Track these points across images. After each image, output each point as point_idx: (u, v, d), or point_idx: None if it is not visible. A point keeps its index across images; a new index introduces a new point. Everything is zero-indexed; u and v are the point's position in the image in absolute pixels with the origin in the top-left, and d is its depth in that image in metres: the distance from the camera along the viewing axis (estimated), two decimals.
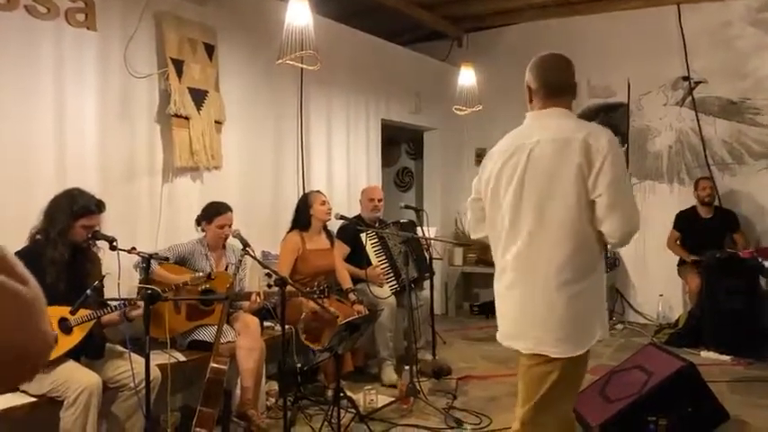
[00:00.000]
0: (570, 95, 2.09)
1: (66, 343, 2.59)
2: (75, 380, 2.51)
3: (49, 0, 3.15)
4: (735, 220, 5.35)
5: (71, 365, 2.60)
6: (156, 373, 2.72)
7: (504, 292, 2.09)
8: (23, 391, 2.59)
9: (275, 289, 3.06)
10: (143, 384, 2.65)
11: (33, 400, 2.55)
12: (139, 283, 2.74)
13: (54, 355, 2.55)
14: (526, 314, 2.03)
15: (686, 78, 5.87)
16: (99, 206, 2.70)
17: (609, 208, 1.90)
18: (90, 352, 2.74)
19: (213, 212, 3.47)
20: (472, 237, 2.31)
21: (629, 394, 3.11)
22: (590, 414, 3.19)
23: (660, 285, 5.85)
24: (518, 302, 2.04)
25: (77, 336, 2.61)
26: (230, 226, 3.47)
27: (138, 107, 3.60)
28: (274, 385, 3.73)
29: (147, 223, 3.64)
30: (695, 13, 5.79)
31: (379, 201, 4.54)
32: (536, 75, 2.07)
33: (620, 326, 5.93)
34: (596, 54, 6.16)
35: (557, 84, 2.07)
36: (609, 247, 2.05)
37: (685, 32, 5.83)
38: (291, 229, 4.06)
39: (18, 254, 2.62)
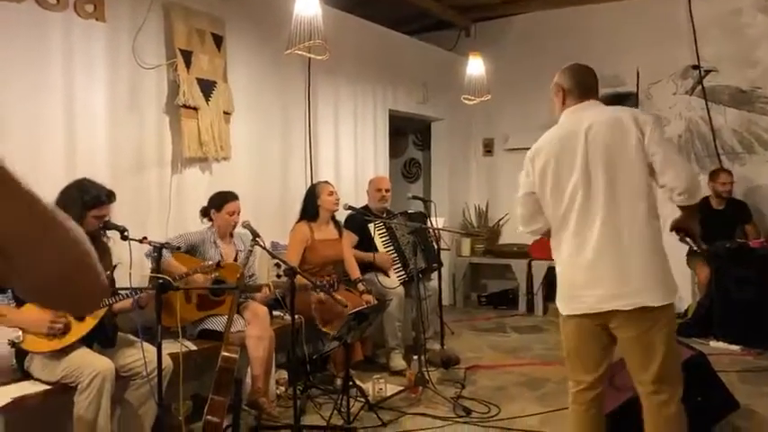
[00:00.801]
0: (598, 94, 2.38)
1: (79, 330, 2.62)
2: (89, 365, 2.54)
3: None
4: (747, 212, 5.31)
5: (84, 351, 2.62)
6: (167, 362, 2.74)
7: (591, 264, 2.23)
8: (37, 379, 2.63)
9: (284, 279, 3.07)
10: (155, 373, 2.68)
11: (47, 387, 2.58)
12: (151, 273, 2.76)
13: (67, 341, 2.58)
14: (622, 274, 2.19)
15: (696, 67, 5.82)
16: (109, 196, 2.72)
17: (666, 160, 2.17)
18: (102, 340, 2.76)
19: (221, 200, 3.49)
20: (526, 230, 2.44)
21: None
22: None
23: None
24: (611, 267, 2.20)
25: (90, 323, 2.63)
26: (238, 213, 3.49)
27: (146, 98, 3.62)
28: (284, 374, 3.75)
29: (157, 214, 3.66)
30: (705, 1, 5.73)
31: (387, 191, 4.54)
32: (569, 77, 2.35)
33: None
34: (605, 43, 6.11)
35: (588, 83, 2.36)
36: (679, 202, 2.25)
37: (695, 21, 5.77)
38: (300, 219, 4.07)
39: None
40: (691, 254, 5.43)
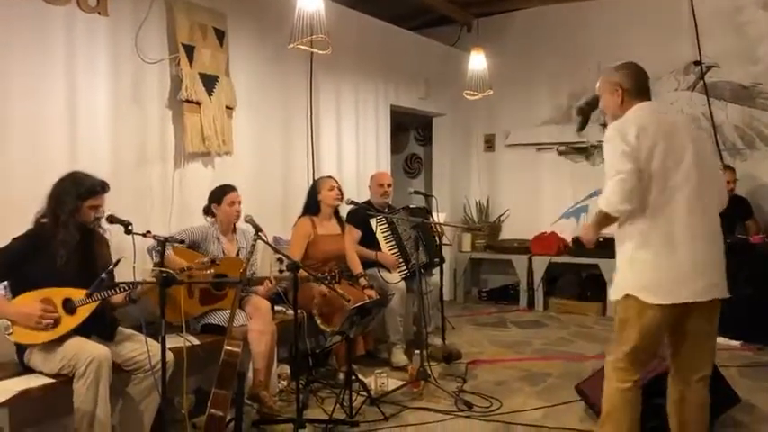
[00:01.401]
0: None
1: (70, 323, 2.62)
2: (84, 351, 2.55)
3: None
4: (748, 207, 5.31)
5: (79, 340, 2.62)
6: (169, 356, 2.74)
7: (702, 252, 2.30)
8: (39, 372, 2.63)
9: (286, 273, 3.08)
10: (157, 367, 2.68)
11: (49, 381, 2.59)
12: (154, 266, 2.76)
13: (58, 333, 2.59)
14: (718, 264, 2.35)
15: (698, 63, 5.82)
16: (103, 186, 2.74)
17: (722, 178, 2.50)
18: (100, 332, 2.77)
19: (220, 193, 3.53)
20: (622, 208, 2.27)
21: None
22: (600, 398, 3.20)
23: None
24: (713, 256, 2.34)
25: (81, 315, 2.64)
26: (239, 203, 3.51)
27: (149, 93, 3.62)
28: (286, 368, 3.77)
29: (160, 208, 3.67)
30: None
31: (389, 186, 4.55)
32: (630, 77, 2.43)
33: None
34: (606, 38, 6.12)
35: (646, 84, 2.46)
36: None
37: (697, 16, 5.77)
38: (303, 214, 4.08)
39: (26, 236, 2.65)
40: None
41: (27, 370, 2.67)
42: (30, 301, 2.58)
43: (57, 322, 2.60)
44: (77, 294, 2.64)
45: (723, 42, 5.70)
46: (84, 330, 2.67)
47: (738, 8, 5.64)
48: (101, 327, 2.77)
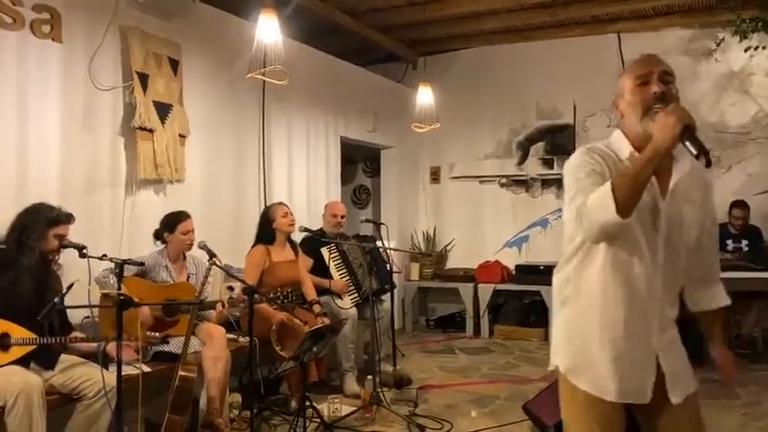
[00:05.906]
0: None
1: (1, 359, 2.57)
2: (12, 383, 2.47)
3: (14, 10, 3.15)
4: None
5: (8, 370, 2.55)
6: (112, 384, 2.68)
7: None
8: None
9: (241, 298, 3.09)
10: (101, 394, 2.63)
11: None
12: (107, 291, 2.73)
13: None
14: None
15: None
16: (69, 217, 2.78)
17: None
18: (40, 361, 2.71)
19: (174, 221, 3.49)
20: None
21: None
22: (546, 415, 3.34)
23: None
24: None
25: (14, 354, 2.58)
26: (193, 231, 3.49)
27: (102, 119, 3.61)
28: (237, 397, 3.73)
29: (109, 235, 3.62)
30: (634, 42, 6.21)
31: (342, 217, 4.63)
32: None
33: None
34: (544, 78, 6.53)
35: None
36: None
37: (625, 59, 6.24)
38: (256, 242, 4.09)
39: None
40: None
41: None
42: None
43: None
44: (17, 331, 2.58)
45: None
46: (22, 357, 2.60)
47: (662, 53, 6.09)
48: (41, 354, 2.70)
